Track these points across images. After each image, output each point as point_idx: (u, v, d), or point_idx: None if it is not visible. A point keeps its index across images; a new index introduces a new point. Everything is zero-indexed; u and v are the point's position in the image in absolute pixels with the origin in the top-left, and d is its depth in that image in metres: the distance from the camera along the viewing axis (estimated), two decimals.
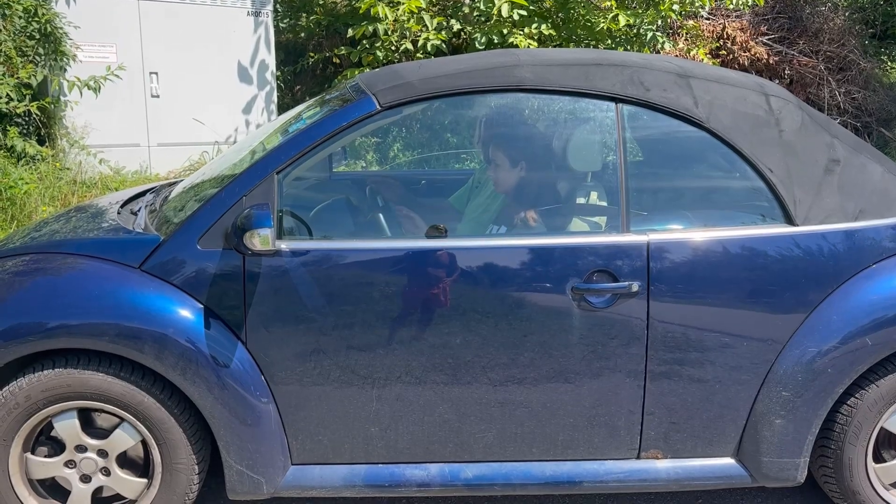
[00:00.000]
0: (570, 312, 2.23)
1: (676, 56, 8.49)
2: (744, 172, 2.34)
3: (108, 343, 2.16)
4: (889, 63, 11.34)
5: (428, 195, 3.31)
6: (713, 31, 9.66)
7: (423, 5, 6.39)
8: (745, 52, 9.73)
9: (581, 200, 2.58)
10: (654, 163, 2.45)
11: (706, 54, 8.69)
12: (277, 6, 8.06)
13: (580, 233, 2.42)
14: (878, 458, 2.43)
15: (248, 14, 7.37)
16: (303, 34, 8.66)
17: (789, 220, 2.29)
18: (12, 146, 5.36)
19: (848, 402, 2.32)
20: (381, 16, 6.26)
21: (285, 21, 8.60)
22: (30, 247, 2.45)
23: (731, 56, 9.64)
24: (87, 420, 2.28)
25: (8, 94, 4.95)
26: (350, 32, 6.77)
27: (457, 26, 6.93)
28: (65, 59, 5.88)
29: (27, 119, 5.54)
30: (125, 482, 2.30)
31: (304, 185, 2.47)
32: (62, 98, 5.97)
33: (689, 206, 2.42)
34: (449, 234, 2.36)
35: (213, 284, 2.22)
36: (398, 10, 6.32)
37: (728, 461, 2.36)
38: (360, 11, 6.49)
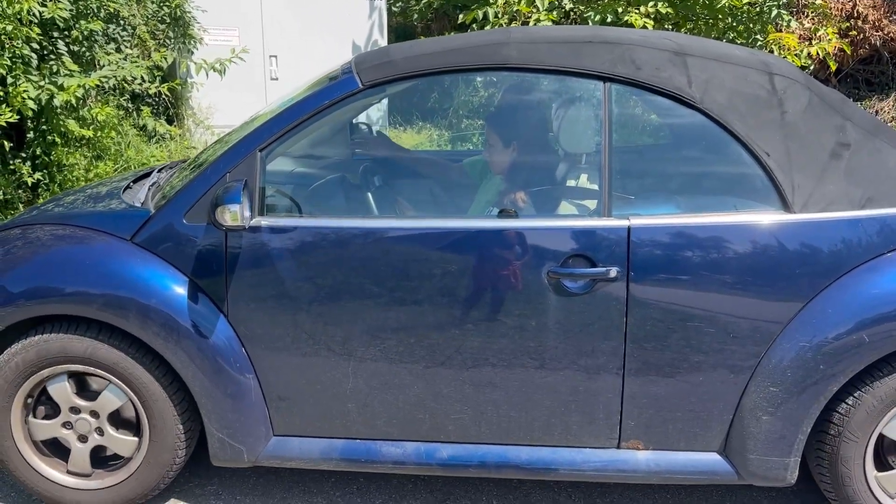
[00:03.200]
0: (545, 297, 2.15)
1: (802, 36, 7.84)
2: (738, 156, 2.18)
3: (95, 310, 2.22)
4: None
5: (429, 175, 3.22)
6: (842, 9, 8.83)
7: None
8: (877, 30, 8.88)
9: (572, 183, 2.49)
10: (641, 146, 2.27)
11: (835, 34, 7.93)
12: None
13: (556, 216, 2.34)
14: (884, 466, 2.26)
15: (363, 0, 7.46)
16: (415, 17, 8.70)
17: (786, 207, 2.12)
18: (144, 125, 5.63)
19: (845, 402, 2.15)
20: (490, 1, 6.15)
21: (398, 5, 8.65)
22: (37, 218, 2.58)
23: (861, 36, 8.82)
24: (80, 384, 2.37)
25: (141, 77, 5.20)
26: (461, 18, 6.71)
27: (569, 5, 6.69)
28: (192, 42, 6.13)
29: (157, 100, 5.82)
30: (118, 441, 2.37)
31: (297, 162, 2.44)
32: (189, 80, 6.18)
33: (678, 191, 2.29)
34: (433, 216, 2.32)
35: (197, 258, 2.24)
36: None
37: (713, 456, 2.23)
38: None
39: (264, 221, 2.22)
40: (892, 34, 9.02)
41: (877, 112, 9.10)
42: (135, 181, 2.81)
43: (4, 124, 4.40)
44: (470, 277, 2.18)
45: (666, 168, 2.28)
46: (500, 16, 6.25)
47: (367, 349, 2.23)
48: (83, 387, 2.37)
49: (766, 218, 2.13)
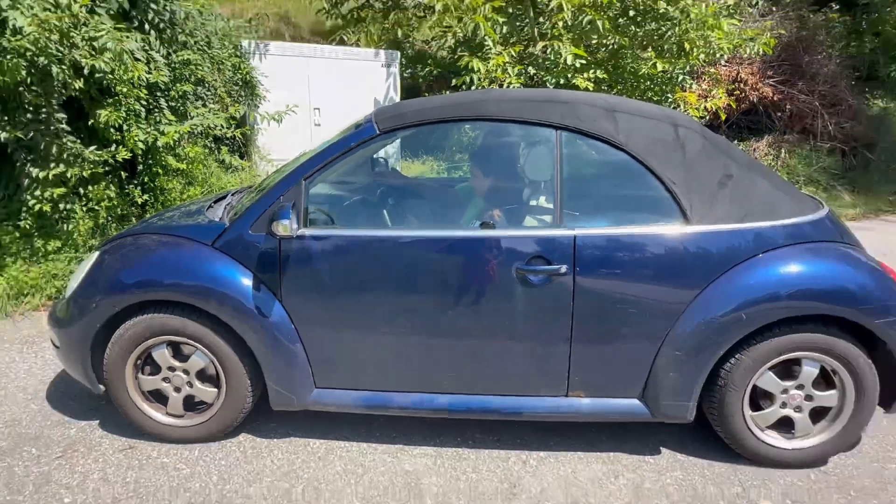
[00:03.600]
0: (514, 287, 2.18)
1: (700, 94, 7.91)
2: (653, 184, 2.19)
3: (186, 296, 2.26)
4: (871, 100, 10.51)
5: (429, 196, 3.23)
6: (729, 75, 8.93)
7: (508, 60, 6.21)
8: (754, 91, 8.95)
9: (534, 203, 2.49)
10: (584, 176, 2.29)
11: (725, 92, 7.99)
12: (402, 60, 8.08)
13: (523, 227, 2.36)
14: (756, 407, 2.29)
15: (382, 66, 7.43)
16: (420, 79, 8.71)
17: (686, 221, 2.15)
18: (223, 159, 5.64)
19: (729, 362, 2.18)
20: (475, 68, 6.15)
21: (408, 71, 8.64)
22: (147, 228, 2.60)
23: (742, 94, 8.90)
24: (176, 350, 2.38)
25: (221, 124, 5.20)
26: (454, 81, 6.72)
27: (532, 71, 6.69)
28: (257, 99, 6.12)
29: (233, 141, 5.81)
30: (203, 391, 2.40)
31: (332, 187, 2.47)
32: (255, 126, 6.15)
33: (609, 209, 2.30)
34: (433, 228, 2.35)
35: (259, 258, 2.26)
36: (489, 63, 6.18)
37: (634, 401, 2.26)
38: (461, 65, 6.39)
39: (307, 231, 2.23)
40: (765, 93, 9.05)
41: (754, 150, 9.13)
42: (215, 202, 2.81)
43: (122, 160, 4.41)
44: (459, 272, 2.21)
45: (601, 192, 2.29)
46: (482, 80, 6.25)
47: (382, 325, 2.25)
48: (177, 352, 2.38)
49: (672, 229, 2.15)
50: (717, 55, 6.85)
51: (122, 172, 4.63)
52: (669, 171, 2.18)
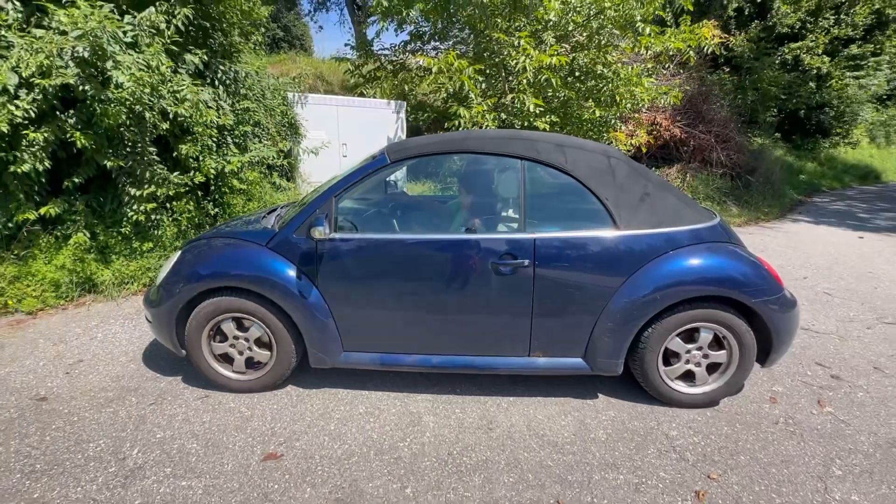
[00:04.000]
0: (490, 276, 2.17)
1: (627, 133, 7.96)
2: (591, 200, 2.20)
3: (247, 283, 2.24)
4: (752, 138, 10.91)
5: (427, 209, 3.22)
6: (648, 119, 8.96)
7: (486, 108, 6.19)
8: (667, 131, 8.99)
9: (505, 214, 2.47)
10: (541, 194, 2.29)
11: (645, 132, 8.01)
12: (407, 108, 8.03)
13: (497, 232, 2.33)
14: (668, 363, 2.30)
15: (393, 112, 7.39)
16: (421, 122, 8.67)
17: (616, 227, 2.16)
18: (275, 182, 5.59)
19: (647, 330, 2.19)
20: (462, 115, 6.12)
21: (411, 116, 8.60)
22: (217, 233, 2.56)
23: (658, 133, 8.95)
24: (239, 323, 2.37)
25: (272, 156, 5.17)
26: (446, 124, 6.69)
27: (504, 116, 6.67)
28: (300, 137, 6.08)
29: (281, 168, 5.79)
30: (260, 354, 2.39)
31: (355, 202, 2.44)
32: (298, 157, 6.05)
33: (560, 219, 2.28)
34: (430, 232, 2.32)
35: (301, 256, 2.24)
36: (472, 111, 6.16)
37: (579, 360, 2.26)
38: (451, 112, 6.37)
39: (336, 235, 2.22)
40: (674, 133, 9.07)
41: (667, 175, 9.17)
42: (268, 213, 2.78)
43: (198, 182, 4.37)
44: (449, 265, 2.19)
45: (554, 206, 2.28)
46: (466, 123, 6.23)
47: (392, 304, 2.24)
48: (240, 325, 2.36)
49: (605, 233, 2.15)
50: (640, 105, 6.87)
51: (199, 192, 4.58)
52: (603, 190, 2.18)
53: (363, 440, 2.08)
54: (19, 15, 3.34)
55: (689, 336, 2.25)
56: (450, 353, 2.31)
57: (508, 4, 6.89)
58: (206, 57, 4.37)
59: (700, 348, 2.24)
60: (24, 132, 3.34)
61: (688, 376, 2.31)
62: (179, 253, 2.47)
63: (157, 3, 3.93)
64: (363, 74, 8.63)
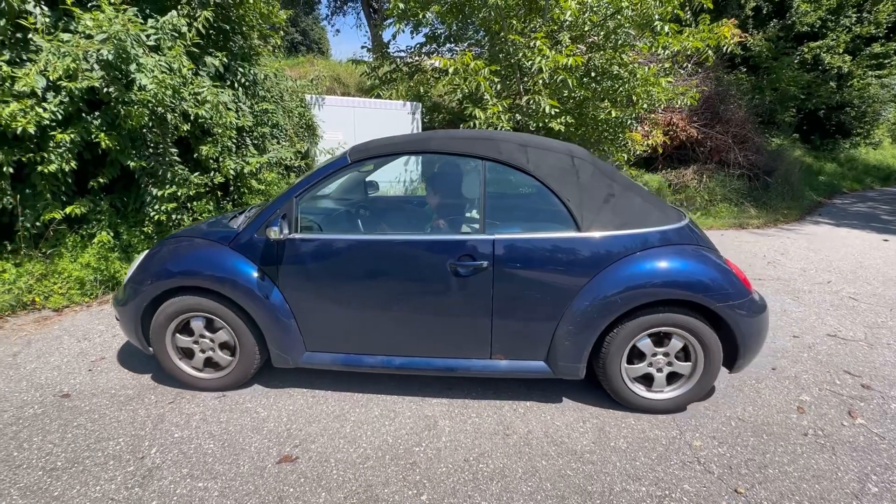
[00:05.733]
0: (448, 277, 2.10)
1: (643, 134, 7.79)
2: (553, 201, 2.12)
3: (209, 283, 2.22)
4: (770, 138, 10.56)
5: (392, 209, 3.16)
6: (665, 120, 8.75)
7: (500, 109, 6.10)
8: (683, 132, 8.78)
9: (468, 214, 2.42)
10: (503, 194, 2.26)
11: (661, 132, 7.83)
12: (423, 109, 7.98)
13: (458, 232, 2.28)
14: (630, 363, 2.23)
15: (408, 114, 7.34)
16: (436, 124, 8.60)
17: (578, 229, 2.08)
18: (291, 182, 5.61)
19: (609, 334, 2.12)
20: (477, 116, 6.05)
21: (427, 117, 8.54)
22: (188, 233, 2.51)
23: (675, 134, 8.75)
24: (208, 323, 2.34)
25: (290, 156, 5.17)
26: (461, 126, 6.62)
27: (518, 118, 6.57)
28: (317, 138, 6.08)
29: (299, 169, 5.80)
30: (221, 357, 2.38)
31: (323, 203, 2.41)
32: (315, 158, 6.00)
33: (521, 219, 2.22)
34: (391, 233, 2.27)
35: (262, 256, 2.21)
36: (487, 112, 6.07)
37: (540, 363, 2.19)
38: (466, 113, 6.29)
39: (297, 236, 2.18)
40: (691, 133, 8.87)
41: (683, 176, 8.95)
42: (240, 213, 2.73)
43: (218, 183, 4.38)
44: (410, 266, 2.12)
45: (515, 207, 2.22)
46: (482, 124, 6.15)
47: (354, 304, 2.18)
48: (209, 325, 2.35)
49: (567, 234, 2.08)
50: (656, 105, 6.70)
51: (218, 192, 4.60)
52: (565, 191, 2.10)
53: (378, 444, 2.02)
54: (47, 19, 3.37)
55: (660, 340, 2.16)
56: (412, 354, 2.24)
57: (523, 6, 6.79)
58: (226, 59, 4.38)
59: (667, 354, 2.16)
60: (52, 133, 3.37)
61: (646, 379, 2.23)
62: (147, 252, 2.45)
63: (179, 7, 3.94)
64: (379, 76, 8.61)
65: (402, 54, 8.68)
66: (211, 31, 4.29)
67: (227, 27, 4.52)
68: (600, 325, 2.05)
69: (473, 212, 2.34)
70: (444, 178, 2.57)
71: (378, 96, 8.43)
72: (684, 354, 2.18)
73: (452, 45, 8.46)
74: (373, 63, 8.66)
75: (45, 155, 3.39)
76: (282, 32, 5.54)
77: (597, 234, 2.06)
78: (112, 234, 3.89)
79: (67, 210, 3.63)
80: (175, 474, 1.83)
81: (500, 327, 2.12)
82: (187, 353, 2.40)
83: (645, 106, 6.54)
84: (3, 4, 3.10)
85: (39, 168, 3.38)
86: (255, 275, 2.19)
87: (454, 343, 2.18)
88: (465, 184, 2.42)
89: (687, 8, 7.30)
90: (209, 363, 2.41)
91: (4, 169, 3.30)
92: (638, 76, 6.32)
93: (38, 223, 3.61)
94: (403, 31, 7.59)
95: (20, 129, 3.11)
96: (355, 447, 2.00)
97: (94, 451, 1.97)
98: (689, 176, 8.90)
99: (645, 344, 2.15)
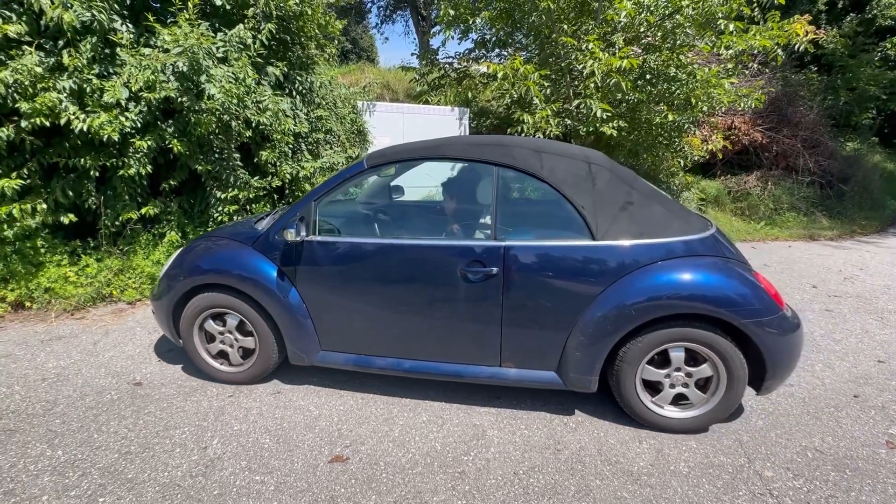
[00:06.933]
0: (458, 283, 2.08)
1: (701, 138, 7.37)
2: (567, 208, 2.05)
3: (234, 281, 2.31)
4: (845, 143, 9.64)
5: (416, 214, 3.13)
6: (725, 123, 8.23)
7: (549, 113, 5.99)
8: (746, 136, 8.22)
9: (482, 220, 2.39)
10: (515, 200, 2.22)
11: (722, 136, 7.37)
12: (470, 114, 7.98)
13: (470, 238, 2.27)
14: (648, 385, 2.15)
15: (456, 119, 7.38)
16: (483, 129, 8.57)
17: (592, 237, 2.00)
18: None
19: (624, 347, 2.03)
20: (525, 120, 5.97)
21: (474, 122, 8.53)
22: (216, 234, 2.64)
23: (736, 138, 8.21)
24: (232, 319, 2.44)
25: (342, 162, 5.31)
26: (508, 130, 6.56)
27: (568, 122, 6.43)
28: (367, 143, 6.23)
29: None
30: (243, 344, 2.48)
31: (343, 206, 2.45)
32: None
33: (533, 226, 2.17)
34: (405, 237, 2.27)
35: (282, 256, 2.28)
36: (535, 116, 5.98)
37: (551, 373, 2.12)
38: (515, 117, 6.23)
39: (316, 238, 2.22)
40: (755, 137, 8.31)
41: (745, 182, 8.38)
42: (267, 216, 2.83)
43: (275, 186, 4.58)
44: (421, 270, 2.11)
45: (528, 213, 2.17)
46: (530, 129, 6.06)
47: (368, 305, 2.20)
48: (235, 322, 2.44)
49: (581, 242, 2.02)
50: (717, 108, 6.32)
51: (275, 195, 4.80)
52: (580, 197, 2.03)
53: (427, 450, 2.02)
54: (131, 35, 3.66)
55: (683, 358, 2.04)
56: (421, 358, 2.23)
57: (575, 9, 6.64)
58: (285, 69, 4.58)
59: (689, 375, 2.03)
60: (132, 140, 3.65)
61: (680, 398, 2.11)
62: (181, 249, 2.59)
63: (245, 20, 4.17)
64: (428, 82, 8.72)
65: (451, 60, 8.74)
66: (273, 43, 4.51)
67: (288, 38, 4.73)
68: (614, 337, 1.97)
69: (487, 218, 2.34)
70: (459, 184, 2.57)
71: (426, 102, 8.53)
72: (694, 362, 2.06)
73: (501, 50, 8.42)
74: (421, 69, 8.78)
75: (126, 160, 3.68)
76: (336, 41, 5.72)
77: (611, 243, 1.98)
78: (180, 233, 4.15)
79: (143, 211, 3.92)
80: (235, 466, 1.91)
81: (509, 335, 2.09)
82: (210, 343, 2.53)
83: (704, 109, 6.20)
84: (95, 23, 3.40)
85: (120, 172, 3.67)
86: (275, 275, 2.26)
87: (463, 349, 2.16)
88: (479, 189, 2.42)
89: (755, 4, 6.87)
90: (229, 357, 2.51)
91: (91, 172, 3.62)
92: (697, 77, 6.00)
93: (117, 222, 3.92)
94: (453, 38, 7.66)
95: (106, 136, 3.40)
96: (404, 451, 2.00)
97: (163, 438, 2.09)
98: (751, 182, 8.34)
99: (674, 356, 2.04)
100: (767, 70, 8.87)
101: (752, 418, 2.26)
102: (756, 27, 5.84)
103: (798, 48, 5.99)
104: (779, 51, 5.89)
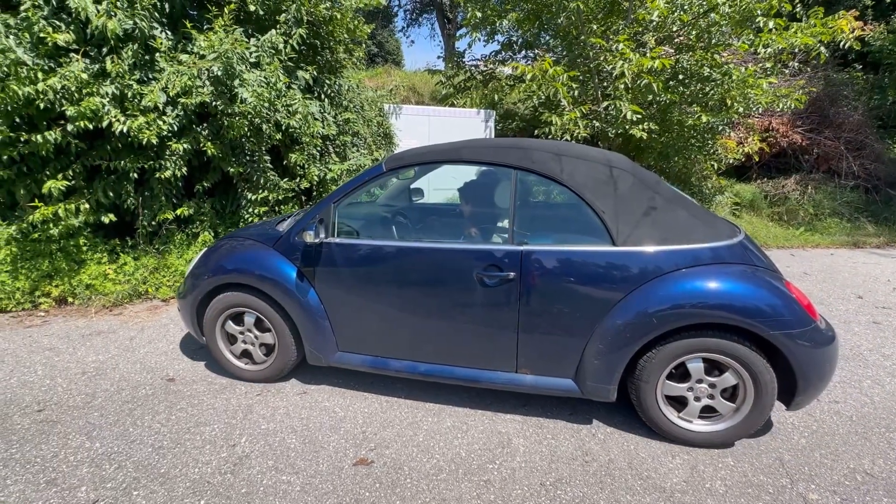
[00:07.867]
0: (475, 287, 2.05)
1: (737, 141, 7.08)
2: (587, 213, 1.99)
3: (255, 281, 2.34)
4: (893, 144, 8.88)
5: (435, 218, 3.10)
6: (762, 125, 7.89)
7: (578, 115, 5.89)
8: (784, 137, 7.85)
9: (500, 224, 2.37)
10: (534, 204, 2.17)
11: (759, 139, 7.06)
12: (496, 117, 7.93)
13: (487, 242, 2.25)
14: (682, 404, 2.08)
15: (481, 121, 7.35)
16: (509, 131, 8.50)
17: (612, 243, 1.94)
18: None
19: (644, 356, 1.97)
20: (553, 122, 5.89)
21: (500, 124, 8.48)
22: (240, 234, 2.69)
23: (774, 140, 7.86)
24: (254, 319, 2.48)
25: (369, 164, 5.33)
26: (535, 132, 6.48)
27: (597, 124, 6.31)
28: (393, 146, 6.26)
29: None
30: (264, 342, 2.52)
31: (363, 209, 2.46)
32: None
33: (552, 230, 2.12)
34: (422, 240, 2.29)
35: (301, 257, 2.31)
36: (563, 118, 5.89)
37: (568, 381, 2.08)
38: (542, 119, 6.16)
39: (334, 240, 2.23)
40: (794, 140, 7.95)
41: (783, 187, 8.03)
42: (289, 217, 2.85)
43: (303, 188, 4.66)
44: (436, 274, 2.09)
45: (547, 218, 2.12)
46: (557, 131, 5.96)
47: (384, 308, 2.19)
48: (257, 321, 2.48)
49: (600, 248, 1.96)
50: (754, 109, 6.08)
51: (303, 196, 4.88)
52: (600, 202, 1.98)
53: (451, 456, 1.99)
54: (170, 42, 3.79)
55: (709, 369, 1.96)
56: (436, 361, 2.20)
57: (604, 9, 6.51)
58: (314, 73, 4.65)
59: (713, 386, 1.97)
60: (169, 143, 3.78)
61: (677, 404, 2.06)
62: (206, 249, 2.65)
63: (277, 26, 4.26)
64: (454, 85, 8.73)
65: (477, 62, 8.72)
66: (303, 47, 4.59)
67: (317, 43, 4.81)
68: (634, 345, 1.91)
69: (505, 222, 2.31)
70: (477, 188, 2.55)
71: (452, 105, 8.53)
72: (732, 389, 1.97)
73: (527, 51, 8.35)
74: (447, 72, 8.80)
75: (163, 162, 3.81)
76: (363, 45, 5.79)
77: (633, 249, 1.92)
78: (212, 234, 4.27)
79: (178, 211, 4.05)
80: (262, 465, 1.93)
81: (526, 341, 2.05)
82: (233, 344, 2.58)
83: (740, 110, 5.97)
84: (137, 31, 3.54)
85: (157, 174, 3.81)
86: (295, 276, 2.29)
87: (479, 354, 2.14)
88: (497, 193, 2.40)
89: (796, 1, 6.57)
90: (249, 355, 2.56)
91: (131, 174, 3.76)
92: (733, 77, 5.79)
93: (153, 222, 4.06)
94: (479, 40, 7.63)
95: (145, 139, 3.52)
96: (428, 457, 1.99)
97: (194, 434, 2.14)
98: (789, 186, 7.98)
99: (693, 367, 1.96)
100: (808, 69, 8.48)
101: (794, 436, 2.14)
102: (797, 24, 5.58)
103: (843, 45, 5.69)
104: (822, 48, 5.61)
